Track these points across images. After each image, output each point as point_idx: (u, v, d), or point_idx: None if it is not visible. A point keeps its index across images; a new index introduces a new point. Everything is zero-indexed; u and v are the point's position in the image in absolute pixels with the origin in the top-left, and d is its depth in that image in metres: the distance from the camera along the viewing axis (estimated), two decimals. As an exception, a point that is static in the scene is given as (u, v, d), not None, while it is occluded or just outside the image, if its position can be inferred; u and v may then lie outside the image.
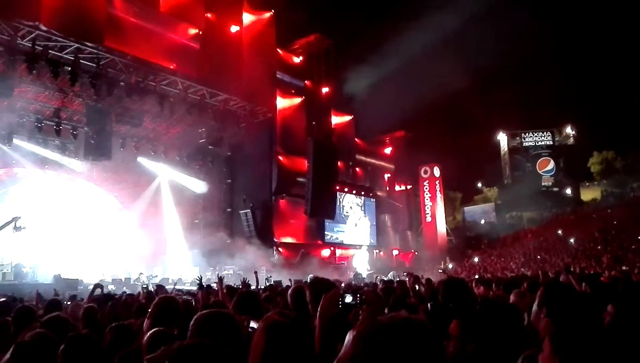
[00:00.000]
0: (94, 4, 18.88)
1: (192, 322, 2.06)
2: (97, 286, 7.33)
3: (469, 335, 2.31)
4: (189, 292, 10.11)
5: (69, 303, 7.96)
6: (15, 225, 11.82)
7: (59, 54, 18.96)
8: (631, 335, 3.21)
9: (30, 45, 18.04)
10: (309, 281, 3.56)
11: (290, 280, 13.96)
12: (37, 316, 5.39)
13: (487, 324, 2.46)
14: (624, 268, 18.35)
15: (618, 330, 3.33)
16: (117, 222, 27.66)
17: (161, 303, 3.09)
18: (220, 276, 7.46)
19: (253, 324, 2.36)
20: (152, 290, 10.69)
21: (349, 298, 2.31)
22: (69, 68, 19.14)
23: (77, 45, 18.87)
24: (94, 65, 19.82)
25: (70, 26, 18.27)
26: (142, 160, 26.78)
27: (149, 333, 2.44)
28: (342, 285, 13.92)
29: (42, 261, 21.37)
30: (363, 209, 35.07)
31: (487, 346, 2.27)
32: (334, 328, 2.27)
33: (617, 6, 72.94)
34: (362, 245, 33.53)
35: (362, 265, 31.75)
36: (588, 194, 55.10)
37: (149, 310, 3.12)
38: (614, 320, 3.53)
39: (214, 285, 13.71)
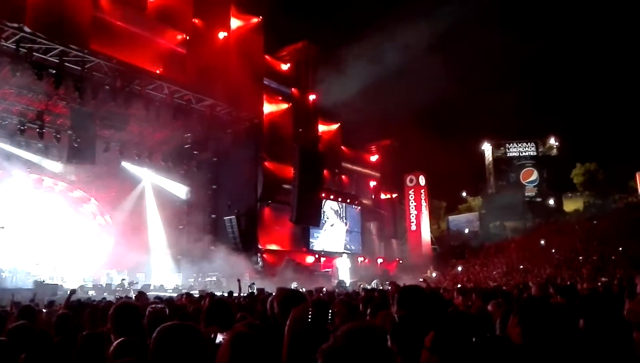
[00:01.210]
0: (79, 6, 18.77)
1: (154, 334, 2.05)
2: (72, 292, 7.24)
3: (434, 346, 2.33)
4: (170, 299, 10.00)
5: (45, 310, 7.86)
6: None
7: (44, 56, 18.82)
8: (599, 347, 3.27)
9: (14, 47, 17.89)
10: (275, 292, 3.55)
11: (266, 289, 13.94)
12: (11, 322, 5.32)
13: (454, 335, 2.48)
14: (603, 279, 18.57)
15: (587, 342, 3.38)
16: (99, 227, 27.39)
17: (118, 311, 3.07)
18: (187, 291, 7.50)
19: (220, 337, 2.35)
20: (133, 296, 10.59)
21: (318, 316, 2.31)
22: (54, 71, 18.99)
23: (62, 48, 18.75)
24: (79, 68, 19.71)
25: (55, 29, 18.15)
26: (126, 164, 26.60)
27: (115, 343, 2.43)
28: (324, 290, 13.92)
29: (22, 266, 21.06)
30: (343, 215, 34.91)
31: (453, 358, 2.29)
32: (302, 340, 2.28)
33: (600, 18, 74.31)
34: (342, 253, 33.46)
35: (344, 272, 31.73)
36: (570, 205, 55.68)
37: (109, 318, 3.10)
38: (585, 333, 3.59)
39: (195, 293, 13.67)
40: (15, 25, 17.46)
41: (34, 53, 18.53)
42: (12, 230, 21.85)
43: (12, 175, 23.42)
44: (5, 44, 17.83)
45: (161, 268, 26.64)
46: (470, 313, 4.30)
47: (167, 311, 3.90)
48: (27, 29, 17.64)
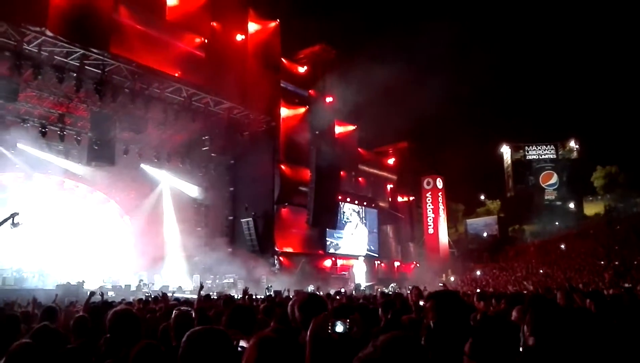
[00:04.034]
0: (100, 11, 18.99)
1: (184, 338, 2.02)
2: (92, 294, 7.27)
3: (474, 353, 2.26)
4: (187, 301, 10.02)
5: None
6: (13, 221, 11.73)
7: (65, 60, 19.06)
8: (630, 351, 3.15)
9: (36, 50, 18.17)
10: (301, 295, 3.48)
11: (288, 290, 13.92)
12: (34, 322, 5.35)
13: (486, 343, 2.40)
14: (626, 285, 18.20)
15: (617, 346, 3.26)
16: (118, 228, 27.63)
17: (116, 318, 3.15)
18: (202, 283, 7.52)
19: (243, 343, 2.31)
20: (150, 297, 10.60)
21: (339, 327, 2.25)
22: (74, 74, 19.23)
23: (82, 51, 18.97)
24: (99, 71, 19.92)
25: (76, 32, 18.38)
26: (145, 167, 26.82)
27: (136, 347, 2.40)
28: (342, 290, 13.81)
29: (44, 267, 21.34)
30: (363, 217, 34.75)
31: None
32: (325, 351, 2.23)
33: (623, 22, 73.06)
34: (359, 256, 33.27)
35: (361, 275, 31.58)
36: (591, 208, 54.84)
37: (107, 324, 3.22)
38: (616, 337, 3.47)
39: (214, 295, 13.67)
40: (37, 29, 17.74)
41: (55, 56, 18.80)
42: (33, 230, 22.12)
43: (33, 177, 23.77)
44: (27, 47, 18.09)
45: (179, 270, 26.77)
46: (498, 320, 4.20)
47: (193, 314, 3.89)
48: (48, 33, 17.90)
